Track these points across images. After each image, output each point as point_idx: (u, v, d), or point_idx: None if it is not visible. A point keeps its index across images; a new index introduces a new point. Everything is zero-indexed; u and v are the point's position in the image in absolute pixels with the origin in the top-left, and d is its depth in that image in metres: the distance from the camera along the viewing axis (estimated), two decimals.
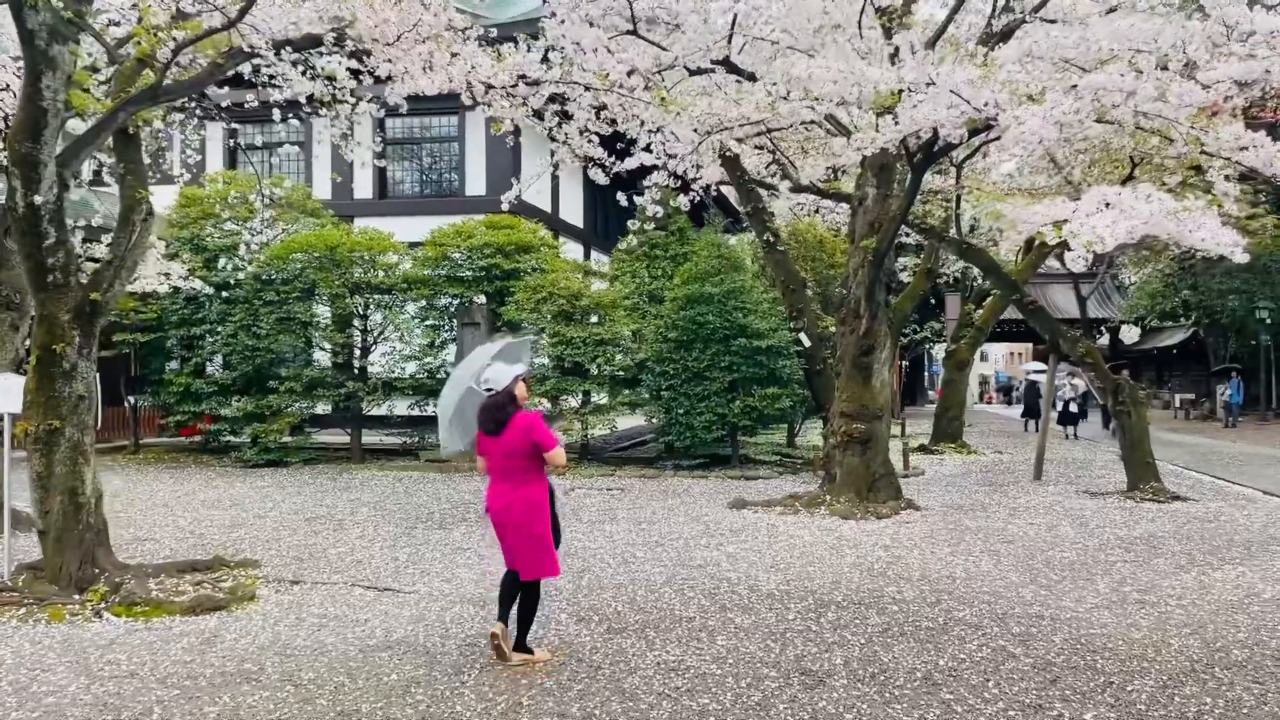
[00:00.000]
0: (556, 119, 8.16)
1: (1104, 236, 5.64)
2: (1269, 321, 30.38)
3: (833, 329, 16.00)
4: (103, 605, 6.39)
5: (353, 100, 8.20)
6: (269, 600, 6.67)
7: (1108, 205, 6.35)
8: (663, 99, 7.05)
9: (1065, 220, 6.31)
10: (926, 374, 52.81)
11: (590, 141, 8.52)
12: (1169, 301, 35.40)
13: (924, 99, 7.54)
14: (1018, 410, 38.74)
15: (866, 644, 5.62)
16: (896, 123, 7.81)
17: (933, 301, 38.86)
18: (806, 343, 15.03)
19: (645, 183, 9.08)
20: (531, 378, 5.64)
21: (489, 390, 5.26)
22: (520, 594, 5.35)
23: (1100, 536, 9.17)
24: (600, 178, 8.89)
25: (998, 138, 10.84)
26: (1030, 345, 60.31)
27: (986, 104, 7.21)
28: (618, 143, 9.53)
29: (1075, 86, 7.03)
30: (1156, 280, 33.75)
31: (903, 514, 10.57)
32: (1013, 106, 7.12)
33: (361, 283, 15.89)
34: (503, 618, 5.31)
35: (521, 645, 5.33)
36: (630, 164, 8.17)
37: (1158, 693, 4.74)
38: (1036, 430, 21.67)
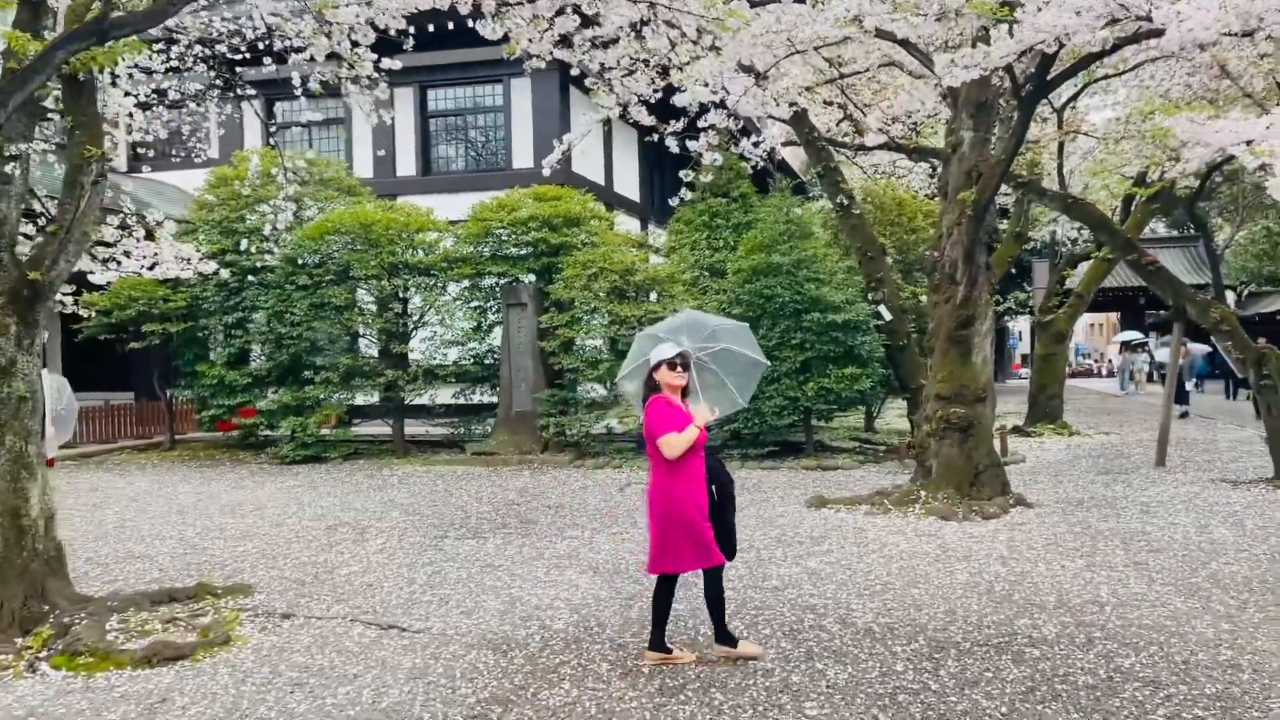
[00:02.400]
0: (587, 50, 6.74)
1: None
2: None
3: (921, 299, 14.42)
4: (43, 654, 5.21)
5: (373, 61, 7.01)
6: (247, 644, 5.43)
7: None
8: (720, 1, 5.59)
9: (1250, 140, 4.74)
10: (1005, 348, 50.42)
11: (631, 77, 7.09)
12: (1277, 263, 32.82)
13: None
14: (1114, 384, 36.44)
15: (1010, 714, 4.15)
16: (1012, 34, 6.24)
17: (1013, 271, 36.72)
18: (887, 316, 13.40)
19: (702, 124, 7.62)
20: (663, 364, 4.95)
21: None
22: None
23: (1268, 542, 7.51)
24: (644, 117, 7.47)
25: (1135, 64, 9.14)
26: (1113, 316, 57.23)
27: None
28: (669, 96, 8.12)
29: None
30: (1263, 239, 31.17)
31: (1013, 513, 9.01)
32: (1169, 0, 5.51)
33: (399, 263, 14.70)
34: (721, 637, 5.03)
35: (656, 643, 4.96)
36: (683, 99, 6.74)
37: None
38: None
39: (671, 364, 4.85)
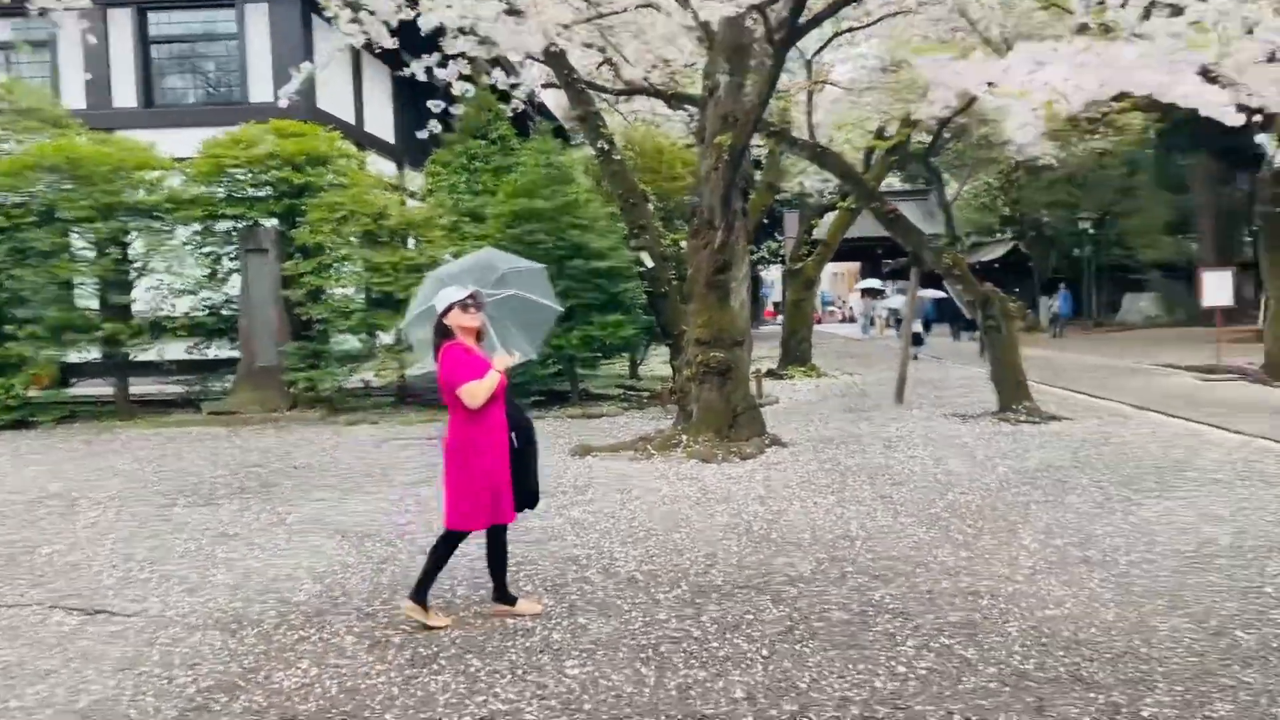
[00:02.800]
0: None
1: (1067, 93, 4.25)
2: (1091, 232, 31.10)
3: (682, 246, 14.54)
4: None
5: None
6: None
7: (1041, 64, 4.93)
8: None
9: (991, 82, 4.87)
10: (759, 296, 52.70)
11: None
12: (994, 215, 35.89)
13: None
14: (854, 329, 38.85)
15: (771, 656, 4.11)
16: None
17: (766, 221, 38.26)
18: (649, 263, 13.43)
19: (452, 51, 7.11)
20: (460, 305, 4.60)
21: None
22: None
23: (996, 471, 8.06)
24: (386, 39, 6.87)
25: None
26: (854, 265, 61.13)
27: None
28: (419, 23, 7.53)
29: None
30: (984, 194, 33.99)
31: (769, 452, 9.24)
32: None
33: (117, 204, 13.14)
34: (500, 595, 4.81)
35: (420, 595, 4.61)
36: (427, 21, 6.20)
37: (1184, 714, 3.42)
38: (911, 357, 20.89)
39: (463, 305, 4.51)
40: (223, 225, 13.62)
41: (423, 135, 8.98)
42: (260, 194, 13.51)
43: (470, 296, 4.55)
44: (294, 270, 12.87)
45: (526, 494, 4.81)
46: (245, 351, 13.29)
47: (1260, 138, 7.03)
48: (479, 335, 4.69)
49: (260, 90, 17.14)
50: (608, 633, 4.47)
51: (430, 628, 4.55)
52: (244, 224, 13.46)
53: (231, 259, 13.68)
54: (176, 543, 6.36)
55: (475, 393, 4.45)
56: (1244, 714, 3.38)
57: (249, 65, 17.45)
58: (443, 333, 4.56)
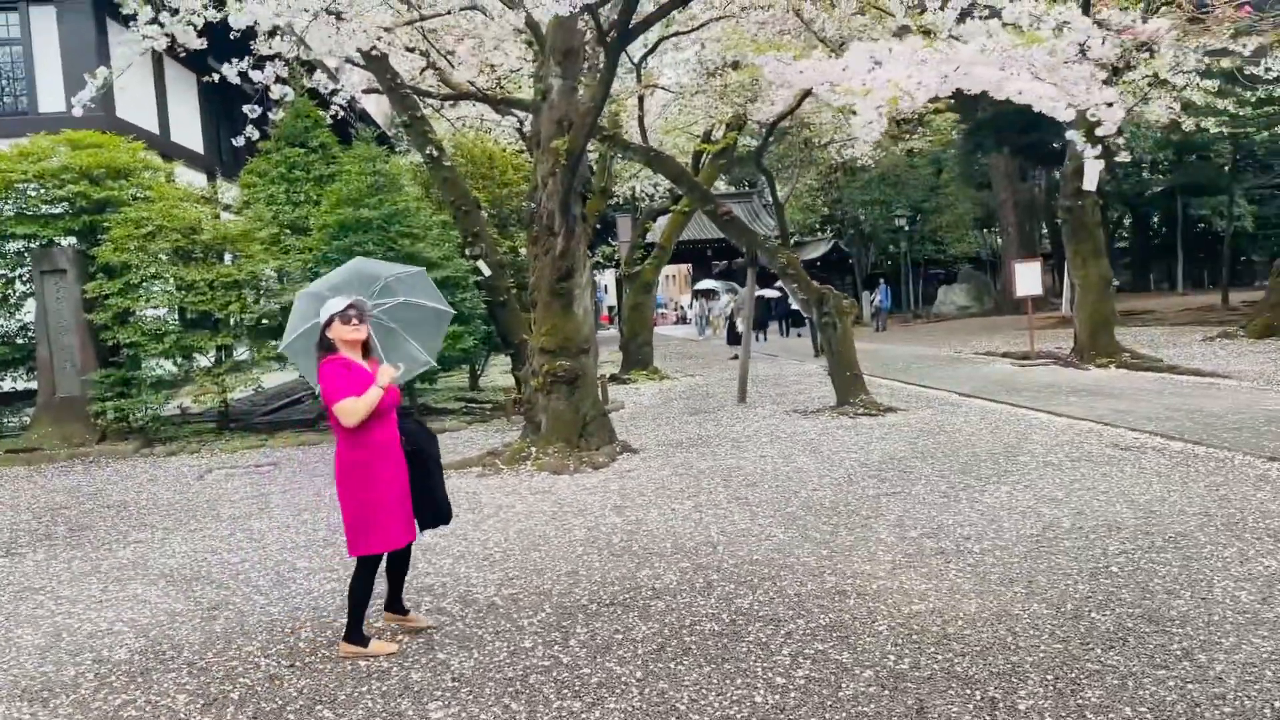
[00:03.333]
0: None
1: (911, 91, 4.27)
2: (906, 229, 32.63)
3: (521, 252, 14.29)
4: None
5: None
6: None
7: (878, 64, 4.99)
8: None
9: (832, 81, 4.88)
10: (595, 301, 52.80)
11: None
12: (815, 215, 37.20)
13: None
14: (691, 330, 39.34)
15: (646, 678, 3.94)
16: None
17: (599, 226, 38.34)
18: (486, 271, 13.12)
19: (268, 50, 6.61)
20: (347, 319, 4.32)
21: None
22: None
23: (843, 465, 8.19)
24: (192, 40, 6.33)
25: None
26: (685, 267, 62.16)
27: None
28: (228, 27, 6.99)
29: None
30: (806, 195, 35.15)
31: (621, 460, 9.11)
32: None
33: None
34: (353, 635, 4.44)
35: (350, 635, 4.43)
36: (239, 19, 5.73)
37: (1059, 704, 3.46)
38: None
39: (344, 317, 4.25)
40: (13, 246, 12.39)
41: (239, 143, 8.36)
42: (55, 211, 12.37)
43: (351, 306, 4.28)
44: (97, 291, 11.83)
45: (434, 509, 4.58)
46: (44, 382, 12.13)
47: (1070, 133, 7.44)
48: (366, 349, 4.40)
49: (51, 99, 15.77)
50: (471, 668, 4.20)
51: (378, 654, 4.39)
52: (38, 243, 12.29)
53: (25, 282, 12.47)
54: None
55: (352, 410, 4.16)
56: (1114, 698, 3.46)
57: (37, 72, 16.01)
58: (326, 347, 4.28)
